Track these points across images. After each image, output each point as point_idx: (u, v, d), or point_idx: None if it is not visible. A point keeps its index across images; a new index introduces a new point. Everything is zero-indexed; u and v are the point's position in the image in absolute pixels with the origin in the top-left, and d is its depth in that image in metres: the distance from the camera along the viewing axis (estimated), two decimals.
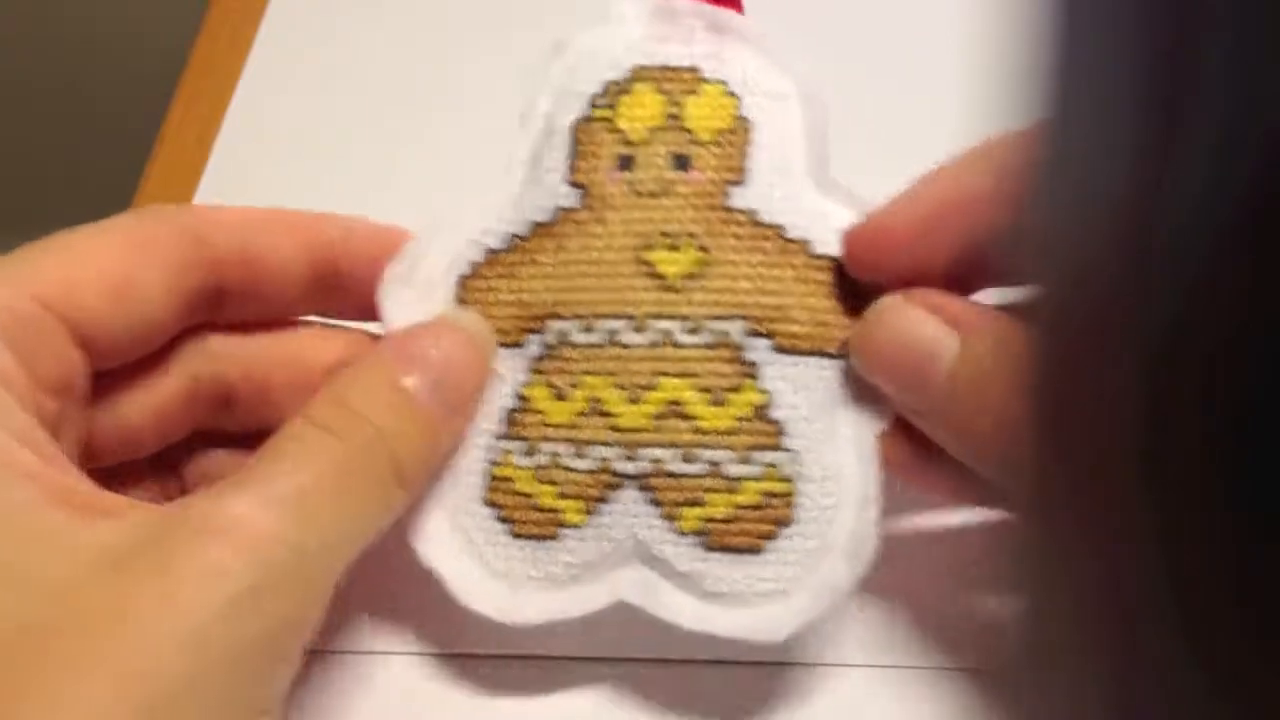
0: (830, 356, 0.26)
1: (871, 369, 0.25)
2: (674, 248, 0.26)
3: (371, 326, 0.28)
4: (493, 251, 0.27)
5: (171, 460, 0.27)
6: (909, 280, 0.25)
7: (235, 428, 0.27)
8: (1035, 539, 0.12)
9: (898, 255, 0.25)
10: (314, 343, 0.27)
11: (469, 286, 0.27)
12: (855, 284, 0.26)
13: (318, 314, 0.28)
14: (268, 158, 0.38)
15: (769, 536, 0.25)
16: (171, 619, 0.20)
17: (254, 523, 0.21)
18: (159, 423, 0.26)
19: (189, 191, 0.36)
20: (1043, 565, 0.11)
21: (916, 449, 0.25)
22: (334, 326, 0.28)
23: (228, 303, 0.26)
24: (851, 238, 0.25)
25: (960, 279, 0.25)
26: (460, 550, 0.26)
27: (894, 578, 0.28)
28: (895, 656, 0.27)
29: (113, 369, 0.25)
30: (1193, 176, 0.08)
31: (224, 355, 0.26)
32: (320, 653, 0.28)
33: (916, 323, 0.24)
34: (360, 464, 0.23)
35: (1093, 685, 0.11)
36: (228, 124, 0.38)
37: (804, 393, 0.25)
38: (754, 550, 0.25)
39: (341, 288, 0.27)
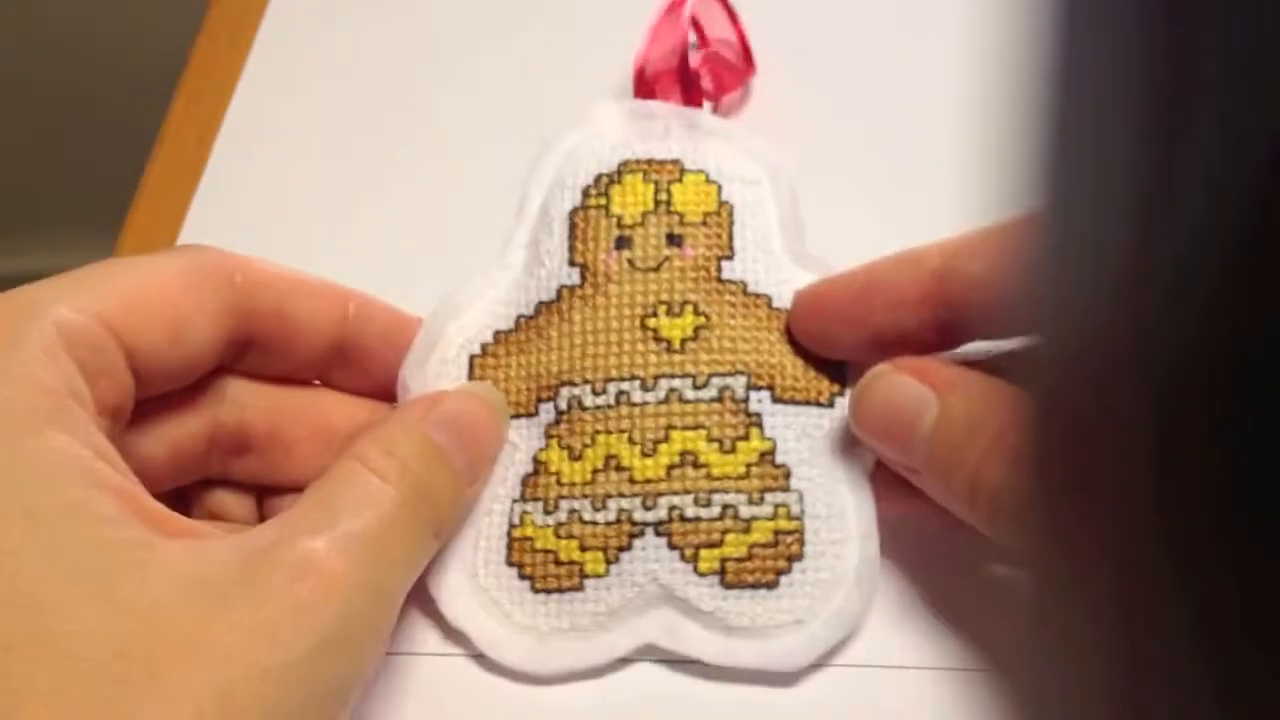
0: (822, 406, 0.29)
1: (864, 433, 0.27)
2: (674, 314, 0.29)
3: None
4: (501, 332, 0.30)
5: (178, 494, 0.28)
6: (834, 348, 0.28)
7: (244, 478, 0.28)
8: (1040, 551, 0.12)
9: (822, 328, 0.28)
10: (337, 405, 0.28)
11: (481, 365, 0.29)
12: None
13: (324, 381, 0.29)
14: (268, 158, 0.38)
15: (783, 571, 0.28)
16: (265, 653, 0.20)
17: (335, 564, 0.22)
18: (176, 460, 0.26)
19: (189, 191, 0.36)
20: (1048, 574, 0.11)
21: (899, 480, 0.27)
22: (351, 397, 0.29)
23: (252, 355, 0.27)
24: (794, 312, 0.29)
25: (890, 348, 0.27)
26: (485, 610, 0.28)
27: (894, 577, 0.29)
28: (895, 656, 0.28)
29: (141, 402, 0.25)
30: (1195, 199, 0.08)
31: (249, 404, 0.27)
32: None
33: (900, 387, 0.26)
34: (411, 513, 0.24)
35: (1098, 688, 0.11)
36: (228, 124, 0.38)
37: (804, 439, 0.28)
38: (770, 585, 0.27)
39: (352, 360, 0.28)
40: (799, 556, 0.27)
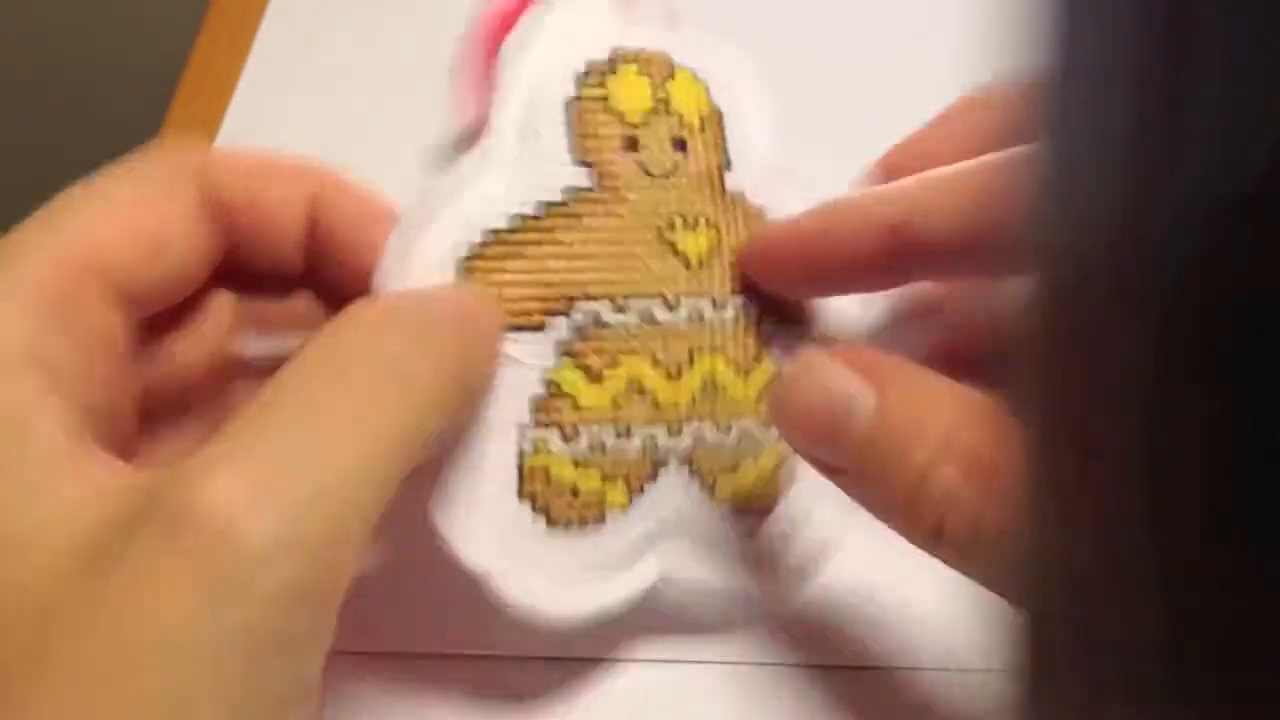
0: (809, 324, 0.28)
1: (785, 428, 0.24)
2: (690, 227, 0.27)
3: None
4: (497, 231, 0.26)
5: None
6: (789, 289, 0.27)
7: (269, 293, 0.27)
8: (1032, 529, 0.12)
9: (777, 273, 0.27)
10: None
11: (473, 268, 0.25)
12: None
13: (314, 289, 0.27)
14: None
15: (781, 495, 0.27)
16: (143, 627, 0.18)
17: (247, 481, 0.18)
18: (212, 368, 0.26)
19: None
20: (1039, 556, 0.11)
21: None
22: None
23: (238, 253, 0.25)
24: (747, 253, 0.27)
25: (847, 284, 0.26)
26: (497, 548, 0.25)
27: (893, 578, 0.29)
28: (893, 656, 0.28)
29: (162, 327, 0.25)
30: (1195, 149, 0.08)
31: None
32: None
33: (832, 376, 0.23)
34: (418, 352, 0.21)
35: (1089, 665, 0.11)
36: (228, 124, 0.38)
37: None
38: (770, 509, 0.27)
39: (328, 253, 0.25)
40: (792, 479, 0.27)
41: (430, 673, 0.28)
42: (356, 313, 0.21)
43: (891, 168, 0.28)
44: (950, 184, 0.25)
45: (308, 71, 0.40)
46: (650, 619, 0.28)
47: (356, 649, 0.28)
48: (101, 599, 0.18)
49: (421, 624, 0.29)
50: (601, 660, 0.28)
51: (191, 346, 0.25)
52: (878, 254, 0.25)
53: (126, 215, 0.23)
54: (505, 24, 0.30)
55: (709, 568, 0.27)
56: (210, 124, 0.38)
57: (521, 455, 0.25)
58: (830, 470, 0.24)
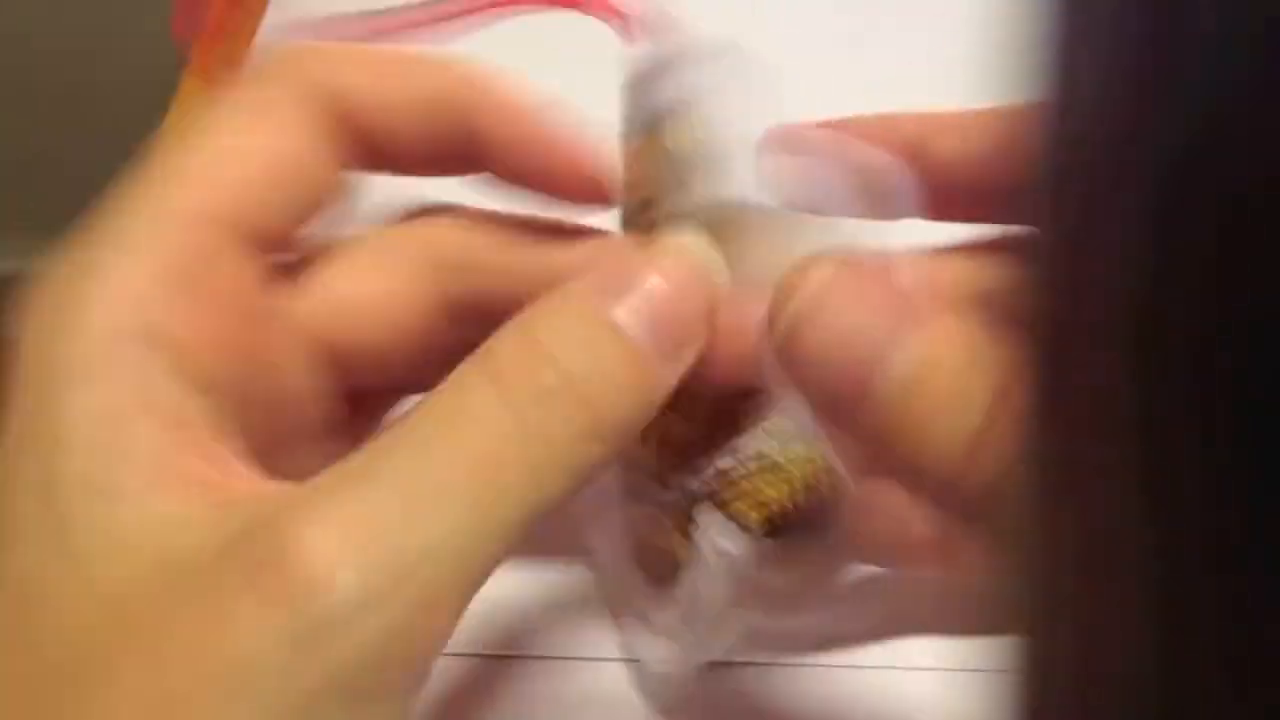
0: None
1: (798, 372, 0.20)
2: None
3: None
4: None
5: None
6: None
7: None
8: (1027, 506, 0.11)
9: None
10: (578, 253, 0.24)
11: None
12: None
13: (470, 173, 0.24)
14: None
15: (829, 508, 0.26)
16: (210, 665, 0.17)
17: (342, 528, 0.17)
18: (408, 342, 0.23)
19: None
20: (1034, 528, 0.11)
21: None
22: (587, 229, 0.24)
23: (374, 157, 0.23)
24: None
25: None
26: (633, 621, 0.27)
27: (892, 578, 0.29)
28: (895, 656, 0.28)
29: (354, 286, 0.23)
30: (1197, 42, 0.08)
31: (468, 266, 0.23)
32: None
33: (858, 311, 0.20)
34: (535, 423, 0.19)
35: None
36: None
37: None
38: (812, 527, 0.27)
39: (486, 152, 0.23)
40: (842, 491, 0.26)
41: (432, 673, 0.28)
42: (494, 354, 0.20)
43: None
44: (968, 116, 0.24)
45: None
46: None
47: None
48: (176, 628, 0.17)
49: None
50: (601, 660, 0.28)
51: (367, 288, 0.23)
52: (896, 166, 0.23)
53: (248, 148, 0.21)
54: None
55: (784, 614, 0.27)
56: None
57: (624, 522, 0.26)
58: (838, 425, 0.20)
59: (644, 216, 0.24)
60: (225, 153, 0.21)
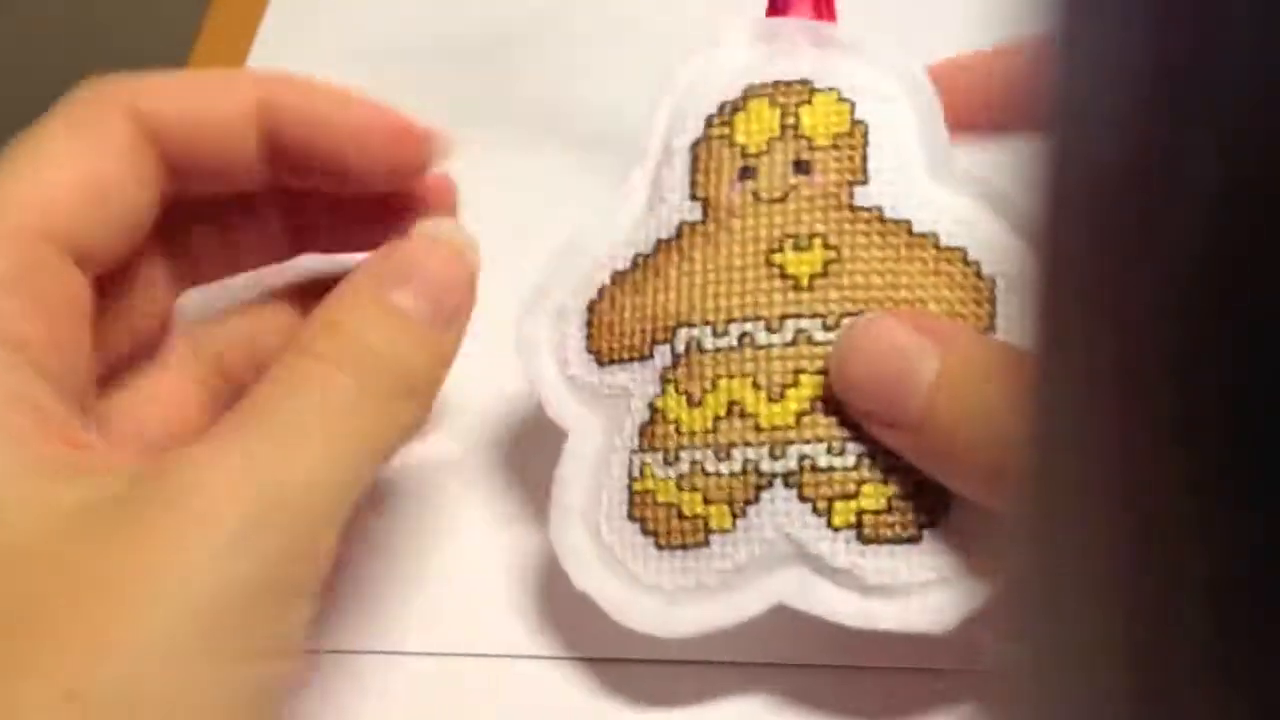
0: None
1: (850, 385, 0.25)
2: (802, 248, 0.27)
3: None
4: (618, 273, 0.28)
5: None
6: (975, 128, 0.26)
7: None
8: (1036, 506, 0.11)
9: (964, 101, 0.26)
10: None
11: (597, 310, 0.28)
12: (983, 274, 0.26)
13: (277, 184, 0.26)
14: None
15: (926, 525, 0.25)
16: (151, 573, 0.19)
17: (236, 470, 0.20)
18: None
19: None
20: (1044, 530, 0.11)
21: None
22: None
23: (185, 176, 0.25)
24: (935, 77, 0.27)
25: None
26: (608, 569, 0.26)
27: None
28: (893, 656, 0.27)
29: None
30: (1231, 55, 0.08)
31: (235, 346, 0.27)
32: (319, 653, 0.28)
33: (895, 334, 0.24)
34: (360, 390, 0.22)
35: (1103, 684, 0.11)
36: None
37: None
38: (913, 540, 0.25)
39: (296, 160, 0.25)
40: (944, 508, 0.25)
41: (431, 673, 0.28)
42: (308, 341, 0.23)
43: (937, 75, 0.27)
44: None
45: (308, 71, 0.40)
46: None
47: (357, 649, 0.28)
48: (100, 560, 0.19)
49: (423, 624, 0.29)
50: (602, 660, 0.28)
51: (139, 303, 0.25)
52: None
53: (66, 167, 0.23)
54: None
55: (831, 602, 0.26)
56: None
57: (630, 479, 0.27)
58: (886, 425, 0.24)
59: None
60: (47, 175, 0.22)
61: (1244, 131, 0.08)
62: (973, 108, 0.26)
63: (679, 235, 0.27)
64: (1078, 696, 0.11)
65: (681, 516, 0.26)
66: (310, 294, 0.27)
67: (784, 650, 0.28)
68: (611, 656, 0.28)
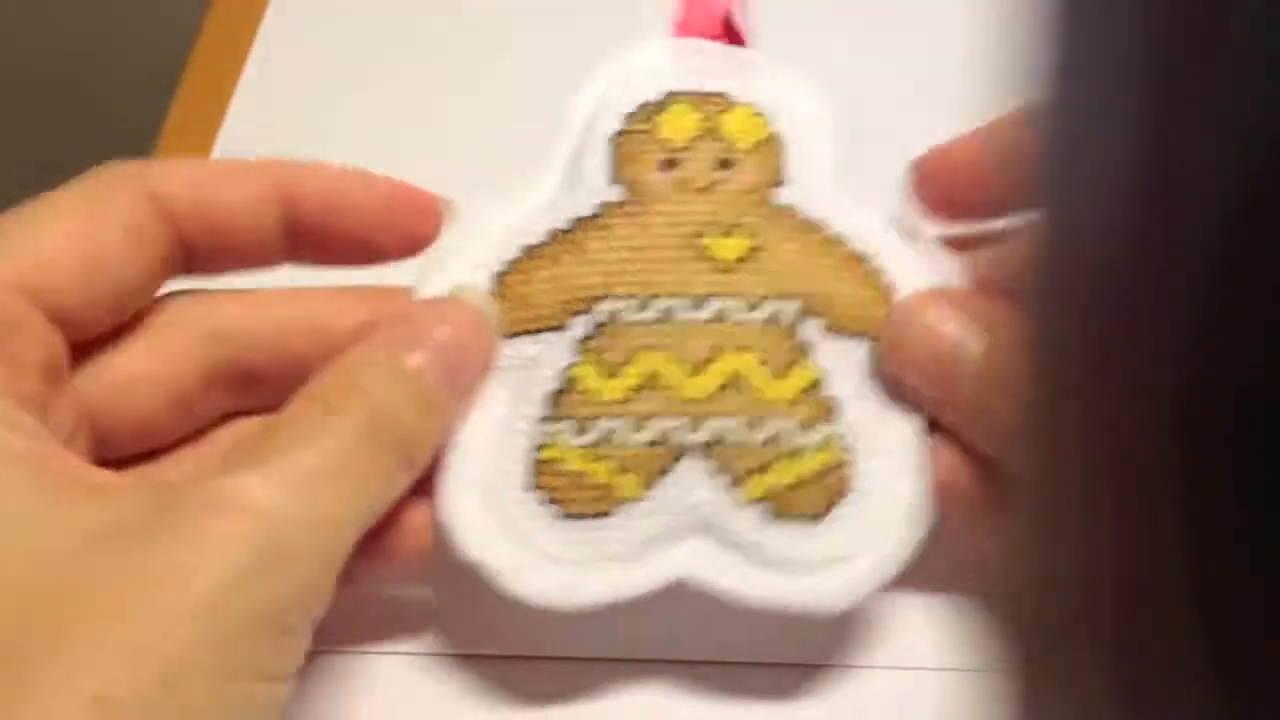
0: (874, 339, 0.27)
1: (902, 367, 0.26)
2: (726, 234, 0.28)
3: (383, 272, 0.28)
4: (531, 246, 0.28)
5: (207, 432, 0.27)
6: (968, 212, 0.27)
7: (270, 403, 0.26)
8: (1045, 516, 0.11)
9: (946, 187, 0.28)
10: (330, 307, 0.27)
11: (506, 281, 0.27)
12: (888, 280, 0.28)
13: (296, 262, 0.27)
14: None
15: (832, 504, 0.26)
16: (179, 590, 0.20)
17: (259, 498, 0.21)
18: (180, 409, 0.26)
19: None
20: (1051, 542, 0.11)
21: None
22: (347, 288, 0.27)
23: (198, 260, 0.26)
24: (918, 164, 0.28)
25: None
26: (505, 539, 0.26)
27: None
28: (896, 657, 0.27)
29: (119, 356, 0.25)
30: (1227, 100, 0.08)
31: (238, 335, 0.26)
32: (319, 653, 0.28)
33: (943, 321, 0.25)
34: (365, 442, 0.23)
35: (1092, 685, 0.11)
36: (228, 124, 0.38)
37: (855, 372, 0.27)
38: (817, 517, 0.26)
39: (310, 240, 0.26)
40: (848, 490, 0.26)
41: (431, 673, 0.28)
42: (321, 395, 0.23)
43: (923, 167, 0.28)
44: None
45: (308, 72, 0.40)
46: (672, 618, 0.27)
47: (357, 649, 0.28)
48: (127, 573, 0.20)
49: (421, 624, 0.29)
50: (602, 660, 0.28)
51: (160, 393, 0.26)
52: None
53: (58, 236, 0.23)
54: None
55: (734, 570, 0.26)
56: (210, 124, 0.38)
57: (535, 449, 0.26)
58: (940, 404, 0.26)
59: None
60: (45, 237, 0.23)
61: (1245, 196, 0.08)
62: (965, 191, 0.27)
63: (600, 214, 0.28)
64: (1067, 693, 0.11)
65: (589, 485, 0.26)
66: (341, 300, 0.27)
67: (783, 650, 0.28)
68: (612, 656, 0.28)
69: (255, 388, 0.26)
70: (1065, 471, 0.11)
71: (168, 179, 0.25)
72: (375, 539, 0.24)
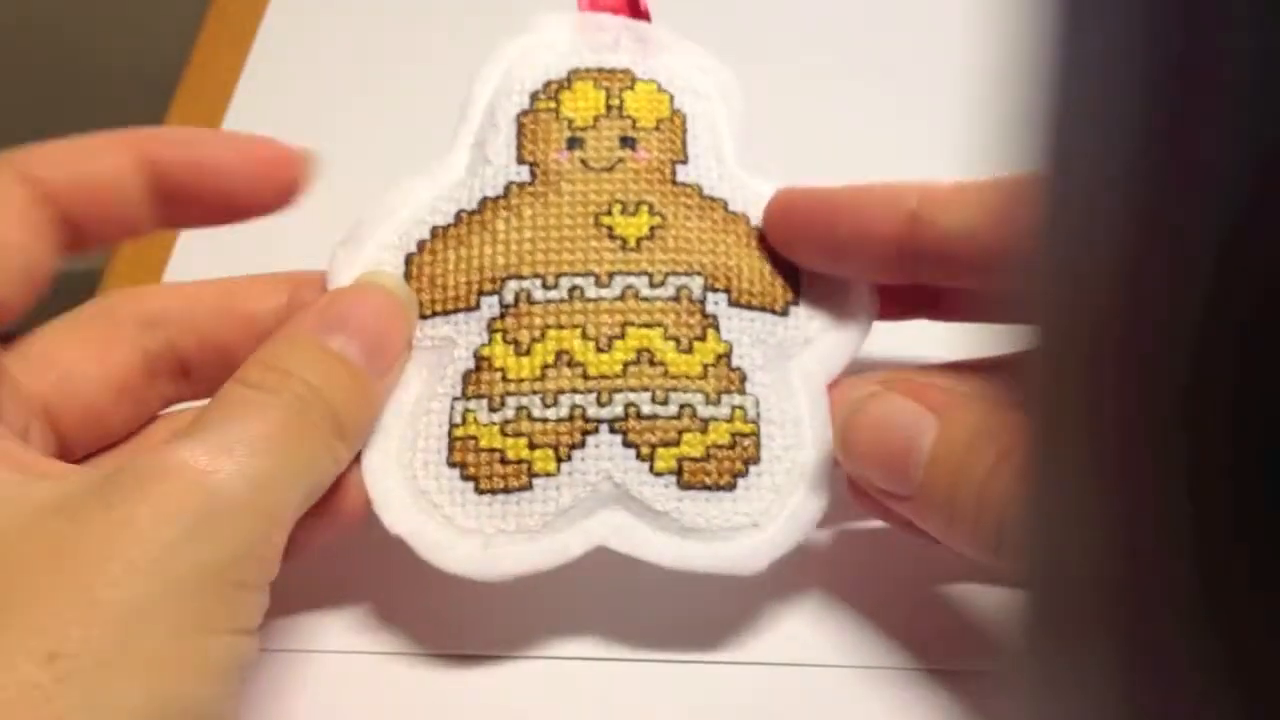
0: (776, 314, 0.28)
1: (855, 459, 0.26)
2: (630, 213, 0.28)
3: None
4: (439, 228, 0.28)
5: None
6: (798, 256, 0.28)
7: (202, 395, 0.27)
8: (1043, 525, 0.12)
9: (793, 233, 0.28)
10: (251, 291, 0.28)
11: (416, 263, 0.28)
12: (779, 255, 0.29)
13: (171, 226, 0.28)
14: None
15: (740, 474, 0.27)
16: (130, 546, 0.20)
17: (199, 461, 0.22)
18: (129, 402, 0.27)
19: None
20: (1053, 547, 0.11)
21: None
22: (266, 275, 0.28)
23: (83, 233, 0.26)
24: (769, 207, 0.28)
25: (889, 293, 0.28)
26: (424, 514, 0.27)
27: (893, 578, 0.29)
28: (893, 657, 0.28)
29: (64, 352, 0.26)
30: (1210, 166, 0.08)
31: (168, 322, 0.27)
32: (316, 653, 0.28)
33: (895, 408, 0.25)
34: (299, 418, 0.24)
35: (1100, 677, 0.11)
36: (228, 124, 0.38)
37: (760, 345, 0.28)
38: (727, 487, 0.27)
39: (180, 195, 0.27)
40: (755, 460, 0.27)
41: (431, 673, 0.28)
42: (251, 378, 0.24)
43: (774, 208, 0.29)
44: (970, 189, 0.26)
45: (308, 71, 0.40)
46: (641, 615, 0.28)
47: (357, 649, 0.28)
48: (78, 538, 0.21)
49: (422, 624, 0.29)
50: (602, 660, 0.28)
51: (108, 384, 0.26)
52: (891, 240, 0.26)
53: None
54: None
55: (648, 539, 0.27)
56: (210, 124, 0.38)
57: (451, 426, 0.27)
58: (897, 498, 0.25)
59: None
60: None
61: (1244, 201, 0.08)
62: (812, 232, 0.28)
63: (506, 194, 0.28)
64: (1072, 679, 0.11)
65: (504, 461, 0.27)
66: (266, 286, 0.28)
67: (783, 650, 0.28)
68: (610, 656, 0.28)
69: (190, 377, 0.27)
70: (1071, 471, 0.11)
71: (37, 161, 0.25)
72: (321, 502, 0.25)
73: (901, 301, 0.29)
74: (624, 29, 0.30)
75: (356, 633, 0.29)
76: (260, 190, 0.27)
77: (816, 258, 0.28)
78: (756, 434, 0.27)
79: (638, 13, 0.31)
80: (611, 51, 0.30)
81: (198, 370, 0.27)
